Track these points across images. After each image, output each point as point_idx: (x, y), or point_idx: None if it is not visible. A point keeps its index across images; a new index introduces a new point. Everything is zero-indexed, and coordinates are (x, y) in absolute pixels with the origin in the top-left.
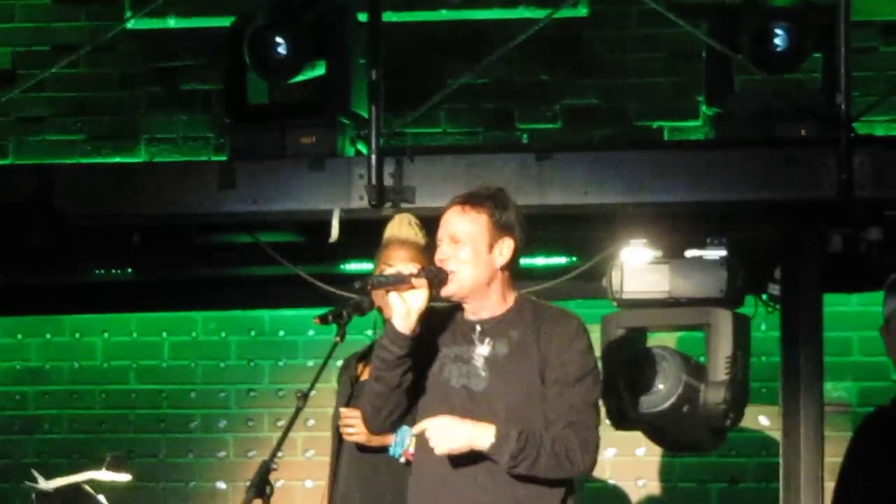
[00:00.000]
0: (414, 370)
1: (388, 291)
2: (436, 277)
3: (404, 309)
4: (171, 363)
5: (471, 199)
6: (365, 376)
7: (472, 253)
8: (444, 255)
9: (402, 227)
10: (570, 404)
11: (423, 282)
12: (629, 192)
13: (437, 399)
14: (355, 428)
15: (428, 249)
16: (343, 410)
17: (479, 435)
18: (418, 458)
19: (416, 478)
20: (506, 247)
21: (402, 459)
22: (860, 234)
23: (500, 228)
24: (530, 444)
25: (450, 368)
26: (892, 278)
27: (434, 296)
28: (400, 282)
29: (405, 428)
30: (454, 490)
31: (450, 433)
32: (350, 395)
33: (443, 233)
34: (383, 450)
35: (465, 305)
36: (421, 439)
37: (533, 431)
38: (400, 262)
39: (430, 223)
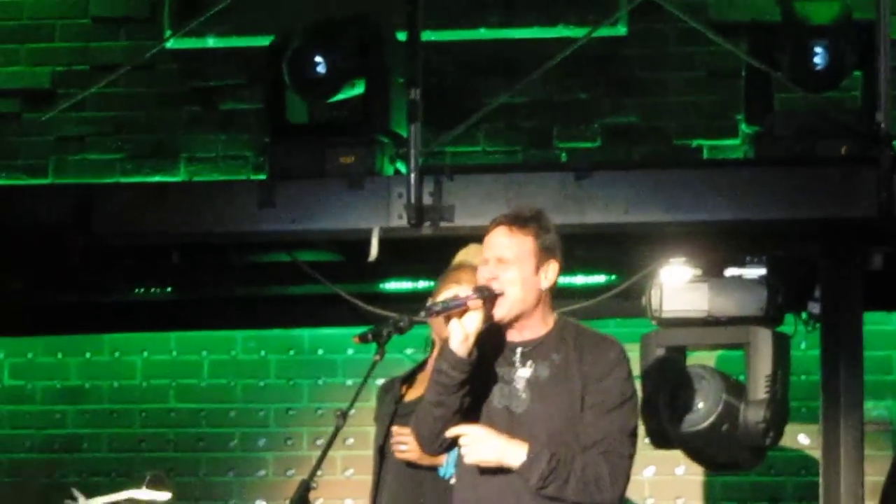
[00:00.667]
0: (472, 392)
1: (447, 318)
2: (489, 297)
3: (462, 333)
4: (210, 382)
5: (517, 221)
6: (409, 396)
7: (519, 275)
8: (492, 274)
9: (478, 255)
10: (606, 432)
11: (478, 303)
12: (668, 210)
13: (479, 418)
14: (408, 445)
15: None
16: (395, 429)
17: (511, 451)
18: (462, 479)
19: (458, 498)
20: (551, 269)
21: (453, 481)
22: None
23: (546, 251)
24: (561, 466)
25: (492, 389)
26: None
27: (488, 317)
28: (458, 305)
29: (457, 450)
30: None
31: (483, 443)
32: (394, 413)
33: (489, 253)
34: (430, 468)
35: (508, 326)
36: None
37: (565, 455)
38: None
39: (469, 242)
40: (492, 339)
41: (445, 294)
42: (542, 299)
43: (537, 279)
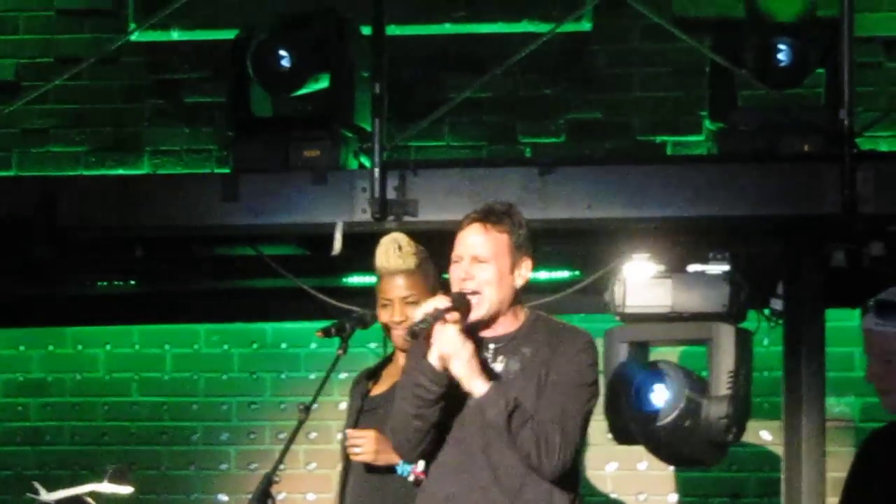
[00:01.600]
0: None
1: (428, 336)
2: (463, 304)
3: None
4: (173, 375)
5: (491, 218)
6: (375, 391)
7: (496, 273)
8: (468, 274)
9: (389, 256)
10: (563, 409)
11: (455, 315)
12: (632, 206)
13: (447, 415)
14: (361, 448)
15: (421, 268)
16: (349, 431)
17: (475, 373)
18: (430, 475)
19: (426, 495)
20: (524, 267)
21: (412, 478)
22: (863, 250)
23: (520, 248)
24: (519, 412)
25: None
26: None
27: (464, 324)
28: (437, 319)
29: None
30: None
31: (448, 353)
32: (360, 409)
33: (463, 251)
34: (391, 469)
35: (478, 324)
36: (432, 460)
37: (525, 408)
38: (396, 292)
39: (433, 236)
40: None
41: (423, 309)
42: (515, 296)
43: (512, 277)
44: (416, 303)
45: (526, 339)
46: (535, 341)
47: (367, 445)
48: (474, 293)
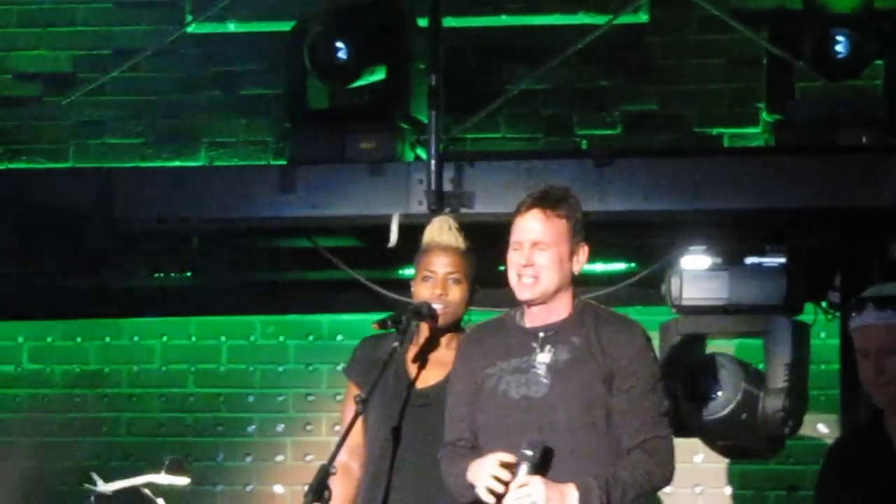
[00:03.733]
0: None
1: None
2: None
3: None
4: (229, 367)
5: (549, 202)
6: (421, 382)
7: (555, 259)
8: (528, 260)
9: (442, 232)
10: (643, 420)
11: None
12: (688, 198)
13: (495, 415)
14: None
15: (469, 253)
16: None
17: (563, 498)
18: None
19: None
20: (582, 253)
21: None
22: None
23: (578, 234)
24: (612, 485)
25: (507, 381)
26: None
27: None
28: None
29: None
30: None
31: None
32: (406, 399)
33: (523, 237)
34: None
35: (528, 311)
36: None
37: (609, 474)
38: (442, 268)
39: (489, 228)
40: (500, 332)
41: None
42: (571, 283)
43: (570, 263)
44: (458, 282)
45: (575, 328)
46: (584, 330)
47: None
48: (532, 280)
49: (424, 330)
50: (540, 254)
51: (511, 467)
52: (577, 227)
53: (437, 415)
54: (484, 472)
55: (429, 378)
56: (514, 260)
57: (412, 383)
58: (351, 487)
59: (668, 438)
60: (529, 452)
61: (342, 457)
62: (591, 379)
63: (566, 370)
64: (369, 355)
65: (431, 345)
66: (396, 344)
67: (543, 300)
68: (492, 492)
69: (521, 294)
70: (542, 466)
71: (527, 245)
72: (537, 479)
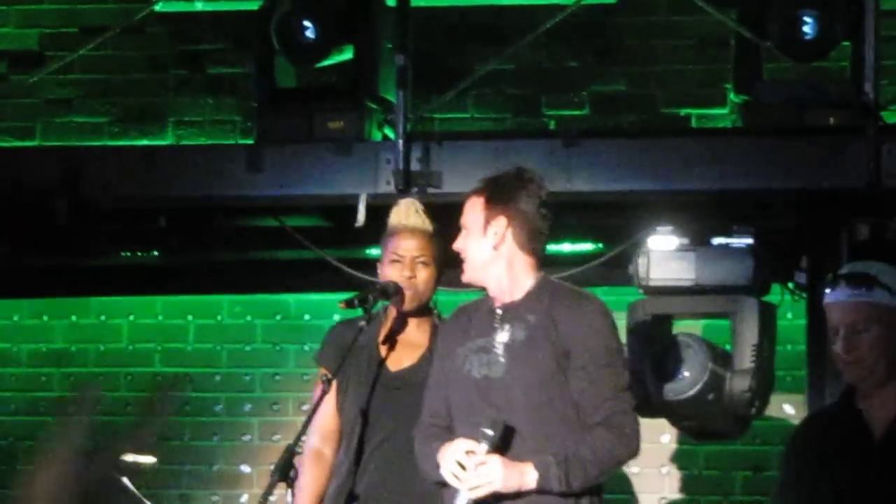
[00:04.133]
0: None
1: None
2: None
3: None
4: (196, 346)
5: (477, 187)
6: (393, 364)
7: (470, 238)
8: (456, 245)
9: (409, 214)
10: (602, 396)
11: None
12: (656, 179)
13: (460, 395)
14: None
15: (436, 236)
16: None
17: (523, 478)
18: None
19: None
20: (499, 226)
21: None
22: (887, 223)
23: (494, 208)
24: (572, 463)
25: (472, 360)
26: None
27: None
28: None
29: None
30: None
31: (497, 489)
32: (375, 379)
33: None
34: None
35: (490, 293)
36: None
37: (568, 449)
38: (410, 251)
39: (456, 209)
40: (477, 312)
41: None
42: (507, 260)
43: (485, 238)
44: (426, 264)
45: (530, 306)
46: (540, 307)
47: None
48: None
49: (394, 314)
50: (462, 235)
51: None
52: (494, 201)
53: (411, 397)
54: (449, 456)
55: (402, 360)
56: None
57: (385, 367)
58: (324, 473)
59: (630, 413)
60: (490, 432)
61: (315, 443)
62: (545, 357)
63: (521, 349)
64: (339, 341)
65: (402, 328)
66: (363, 323)
67: (475, 278)
68: (456, 476)
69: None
70: (502, 445)
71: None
72: (495, 459)
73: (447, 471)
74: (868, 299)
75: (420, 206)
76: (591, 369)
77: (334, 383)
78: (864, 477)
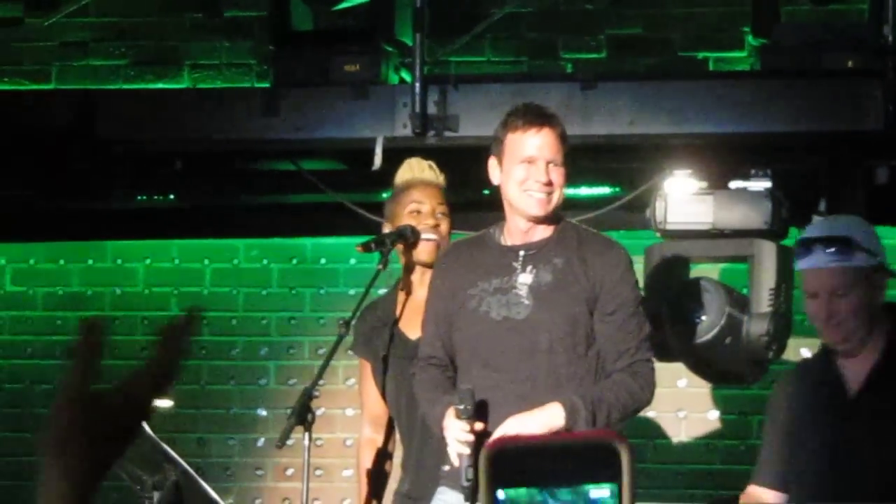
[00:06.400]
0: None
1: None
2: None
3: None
4: (212, 290)
5: (553, 122)
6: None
7: (564, 176)
8: (548, 177)
9: (423, 169)
10: (627, 344)
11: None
12: (673, 122)
13: (475, 336)
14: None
15: (448, 191)
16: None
17: (551, 420)
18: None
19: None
20: (566, 162)
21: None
22: None
23: (564, 145)
24: (597, 405)
25: (489, 301)
26: None
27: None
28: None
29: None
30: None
31: (525, 431)
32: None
33: (538, 153)
34: None
35: (508, 228)
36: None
37: (594, 393)
38: (431, 200)
39: (473, 152)
40: (480, 250)
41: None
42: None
43: (564, 172)
44: (446, 215)
45: (557, 249)
46: (567, 250)
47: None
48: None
49: (411, 274)
50: (555, 170)
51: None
52: (563, 136)
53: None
54: (451, 435)
55: (409, 325)
56: (531, 175)
57: (405, 337)
58: (378, 460)
59: (650, 361)
60: (461, 406)
61: (368, 433)
62: (574, 302)
63: (549, 293)
64: (364, 327)
65: (412, 290)
66: (380, 267)
67: (547, 218)
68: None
69: (535, 210)
70: (478, 415)
71: (542, 162)
72: (510, 421)
73: (452, 451)
74: (848, 264)
75: (430, 163)
76: (619, 317)
77: (368, 368)
78: (842, 430)
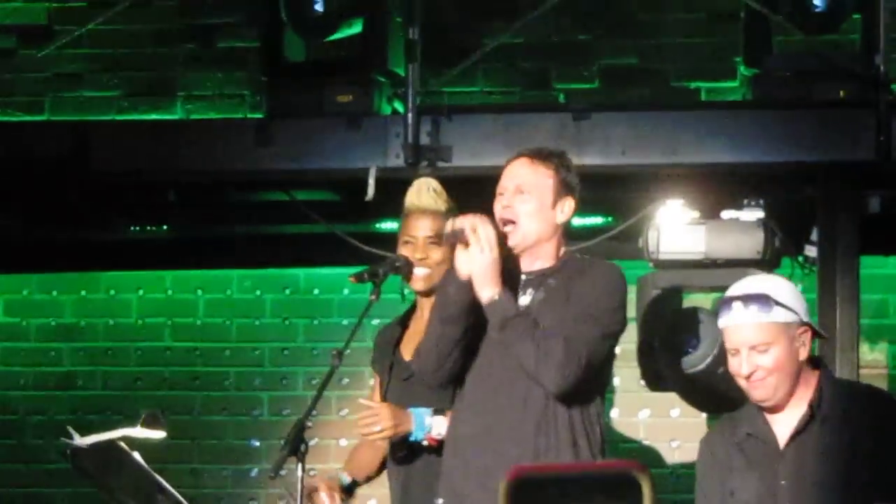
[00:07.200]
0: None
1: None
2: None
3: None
4: (205, 321)
5: (540, 155)
6: (407, 356)
7: (537, 206)
8: (509, 203)
9: (421, 194)
10: (575, 326)
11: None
12: (666, 152)
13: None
14: (380, 425)
15: (448, 215)
16: (362, 414)
17: (487, 281)
18: (458, 417)
19: (453, 438)
20: (567, 206)
21: (425, 443)
22: None
23: (565, 187)
24: (524, 322)
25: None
26: None
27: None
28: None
29: (422, 410)
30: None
31: (476, 261)
32: (390, 370)
33: (508, 182)
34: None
35: (521, 258)
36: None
37: (532, 320)
38: (421, 231)
39: (466, 182)
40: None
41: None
42: (557, 234)
43: (553, 214)
44: (437, 245)
45: (555, 274)
46: (563, 275)
47: (384, 421)
48: (509, 222)
49: (421, 304)
50: (521, 199)
51: None
52: (565, 180)
53: (421, 386)
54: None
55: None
56: (497, 204)
57: (401, 357)
58: (376, 458)
59: (575, 354)
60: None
61: None
62: (556, 315)
63: (539, 310)
64: (383, 344)
65: (417, 313)
66: (373, 297)
67: (526, 246)
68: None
69: (510, 242)
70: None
71: (510, 190)
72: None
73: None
74: (768, 320)
75: (435, 185)
76: (578, 313)
77: (376, 383)
78: (773, 484)
